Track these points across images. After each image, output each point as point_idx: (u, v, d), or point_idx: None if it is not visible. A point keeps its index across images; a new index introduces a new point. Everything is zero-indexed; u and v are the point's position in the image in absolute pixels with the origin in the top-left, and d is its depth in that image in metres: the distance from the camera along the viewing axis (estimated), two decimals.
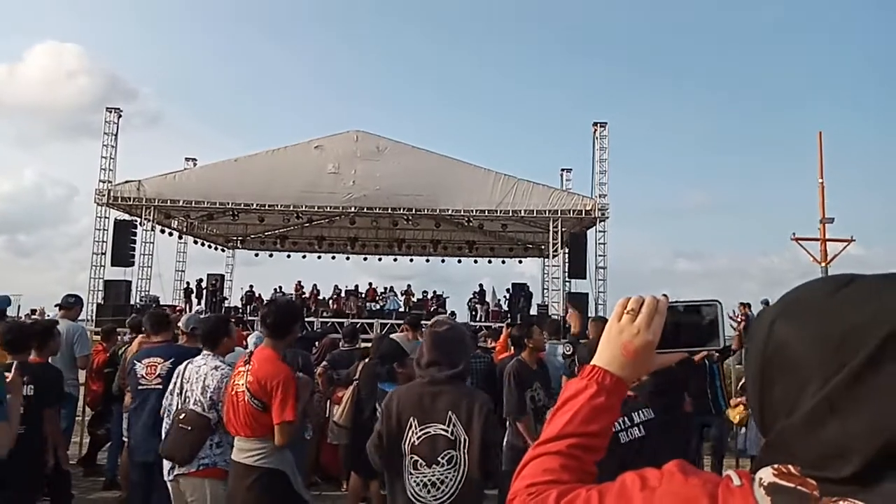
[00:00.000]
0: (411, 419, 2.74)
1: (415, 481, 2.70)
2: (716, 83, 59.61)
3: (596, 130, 20.85)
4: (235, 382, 3.51)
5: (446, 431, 2.72)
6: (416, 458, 2.72)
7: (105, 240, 20.58)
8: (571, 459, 0.94)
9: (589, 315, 16.95)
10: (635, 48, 61.68)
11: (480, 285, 24.58)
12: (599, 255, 20.69)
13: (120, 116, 21.36)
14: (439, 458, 2.70)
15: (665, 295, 1.00)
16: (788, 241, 19.97)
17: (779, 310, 0.73)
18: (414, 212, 19.87)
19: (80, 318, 7.13)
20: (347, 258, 27.42)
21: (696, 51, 60.41)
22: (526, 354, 5.25)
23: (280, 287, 24.09)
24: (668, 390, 3.20)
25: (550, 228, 20.12)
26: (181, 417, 3.82)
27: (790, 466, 0.66)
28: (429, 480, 2.69)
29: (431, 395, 2.77)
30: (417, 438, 2.73)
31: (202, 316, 6.49)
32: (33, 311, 15.14)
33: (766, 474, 0.68)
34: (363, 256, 27.54)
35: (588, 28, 61.89)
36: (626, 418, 2.87)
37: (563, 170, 23.43)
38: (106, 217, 20.60)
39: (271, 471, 3.37)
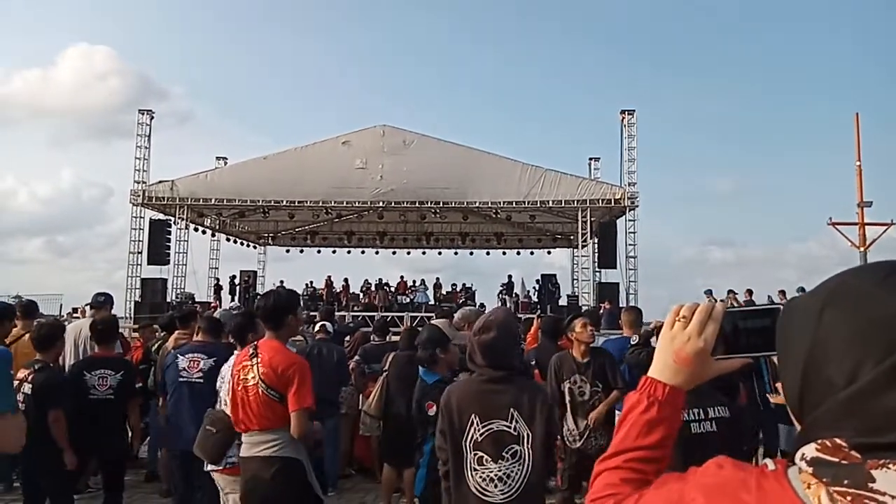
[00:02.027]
0: (473, 416, 2.76)
1: (480, 477, 2.72)
2: (744, 66, 58.23)
3: (624, 118, 20.55)
4: (242, 378, 3.49)
5: (509, 427, 2.73)
6: (480, 454, 2.73)
7: (141, 239, 21.04)
8: (631, 472, 0.98)
9: (620, 305, 16.81)
10: (661, 34, 60.55)
11: (509, 277, 24.58)
12: (629, 245, 20.39)
13: (152, 118, 21.81)
14: (504, 454, 2.72)
15: (722, 300, 1.00)
16: (825, 226, 19.54)
17: (826, 297, 0.75)
18: (441, 205, 19.87)
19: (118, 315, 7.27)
20: (377, 252, 27.63)
21: (722, 34, 59.03)
22: (574, 348, 5.27)
23: (311, 282, 24.50)
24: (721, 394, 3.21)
25: (579, 218, 19.92)
26: (208, 419, 3.90)
27: (836, 440, 0.69)
28: (495, 475, 2.71)
29: (492, 392, 2.79)
30: (480, 435, 2.74)
31: (234, 311, 6.59)
32: (74, 311, 15.57)
33: (809, 450, 0.70)
34: (392, 250, 27.67)
35: (612, 15, 60.98)
36: (700, 411, 2.87)
37: (591, 159, 23.18)
38: (141, 217, 21.08)
39: (290, 460, 3.40)
